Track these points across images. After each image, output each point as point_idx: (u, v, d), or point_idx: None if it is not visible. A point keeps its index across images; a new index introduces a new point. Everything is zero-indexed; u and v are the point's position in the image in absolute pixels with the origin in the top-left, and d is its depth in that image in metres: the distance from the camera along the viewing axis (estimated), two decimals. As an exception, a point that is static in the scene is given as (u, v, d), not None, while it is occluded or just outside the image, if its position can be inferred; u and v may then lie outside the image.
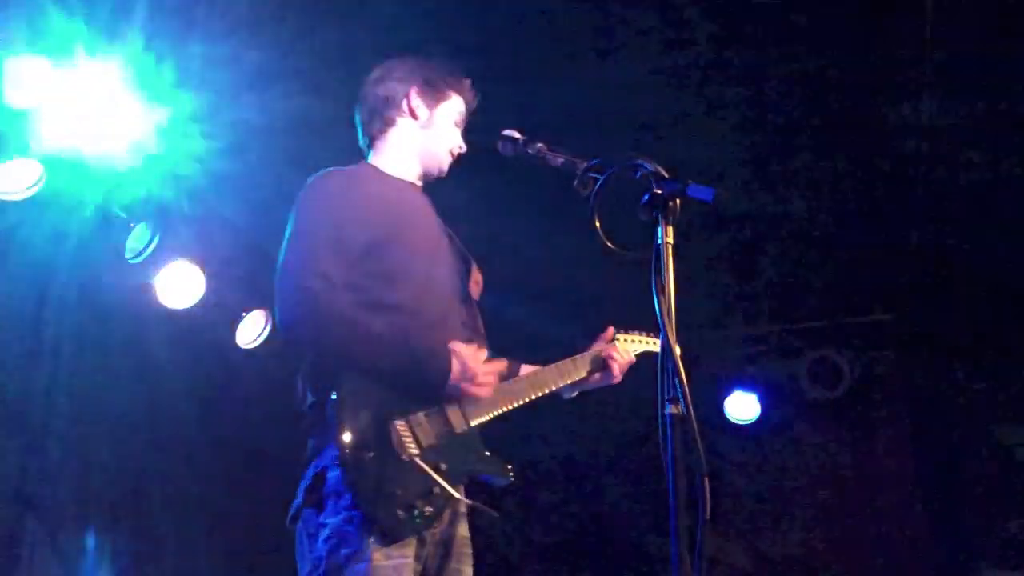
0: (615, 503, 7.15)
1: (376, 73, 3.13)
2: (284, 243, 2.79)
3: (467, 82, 3.14)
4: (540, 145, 2.87)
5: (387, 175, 3.01)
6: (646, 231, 2.17)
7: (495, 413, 2.84)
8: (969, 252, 5.76)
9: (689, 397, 2.00)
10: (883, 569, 6.73)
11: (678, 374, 2.01)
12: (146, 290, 5.20)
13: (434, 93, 3.07)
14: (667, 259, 2.10)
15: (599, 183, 2.34)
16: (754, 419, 6.95)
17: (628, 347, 3.29)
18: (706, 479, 1.93)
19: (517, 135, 3.00)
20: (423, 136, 3.05)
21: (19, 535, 4.81)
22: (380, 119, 3.08)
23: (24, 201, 4.45)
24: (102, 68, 4.17)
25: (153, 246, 5.02)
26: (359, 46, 4.21)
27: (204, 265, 5.39)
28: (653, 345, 3.41)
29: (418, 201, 3.03)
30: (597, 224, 2.29)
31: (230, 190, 5.08)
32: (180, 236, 5.21)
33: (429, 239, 2.94)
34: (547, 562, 7.20)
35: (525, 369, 3.12)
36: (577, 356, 3.16)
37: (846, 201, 5.45)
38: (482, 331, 3.04)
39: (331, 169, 2.92)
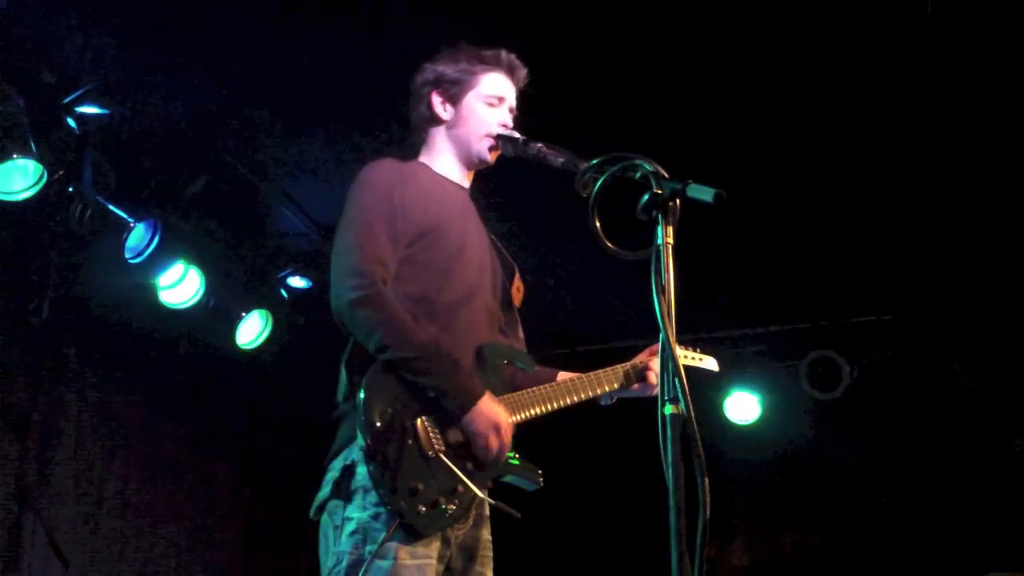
0: (614, 503, 7.15)
1: (410, 89, 3.16)
2: (341, 225, 2.81)
3: (497, 55, 3.10)
4: (540, 145, 2.87)
5: (436, 173, 3.05)
6: (646, 231, 2.16)
7: (528, 415, 2.84)
8: (969, 252, 5.76)
9: (689, 397, 1.99)
10: (883, 569, 6.73)
11: (678, 374, 2.00)
12: (146, 290, 5.20)
13: (455, 88, 3.05)
14: (667, 259, 2.09)
15: (599, 183, 2.32)
16: (754, 419, 6.95)
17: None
18: (706, 479, 1.93)
19: (517, 135, 3.00)
20: (452, 134, 3.06)
21: (19, 535, 4.81)
22: (417, 133, 3.14)
23: (24, 201, 4.45)
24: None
25: (153, 246, 5.02)
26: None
27: (204, 265, 5.39)
28: (698, 361, 3.44)
29: (462, 204, 3.05)
30: (597, 224, 2.27)
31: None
32: (180, 236, 5.21)
33: (466, 240, 2.94)
34: (547, 562, 7.20)
35: (562, 376, 3.08)
36: (618, 366, 3.13)
37: (846, 201, 5.45)
38: (521, 336, 3.05)
39: (386, 158, 2.95)
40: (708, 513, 1.91)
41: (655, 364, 3.10)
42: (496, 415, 2.67)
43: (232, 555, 6.39)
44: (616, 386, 3.10)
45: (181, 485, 6.03)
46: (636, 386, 3.13)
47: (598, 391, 3.06)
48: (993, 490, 6.26)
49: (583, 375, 3.06)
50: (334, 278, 2.73)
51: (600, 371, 3.09)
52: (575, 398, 2.99)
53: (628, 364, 3.15)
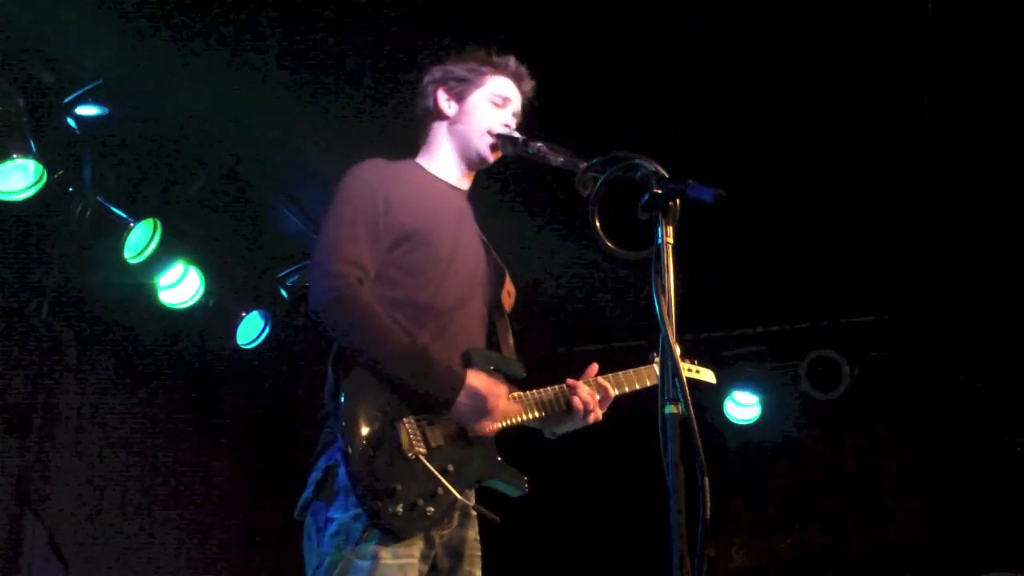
0: (614, 503, 7.15)
1: (417, 87, 3.16)
2: (323, 224, 2.81)
3: (505, 59, 3.11)
4: (540, 144, 2.86)
5: (429, 173, 3.03)
6: (646, 231, 2.15)
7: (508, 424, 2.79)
8: (969, 252, 5.76)
9: (689, 397, 1.99)
10: (883, 569, 6.73)
11: (678, 374, 2.00)
12: (146, 290, 5.20)
13: (462, 85, 3.06)
14: (667, 259, 2.09)
15: (599, 183, 2.32)
16: (754, 419, 6.95)
17: (621, 383, 3.06)
18: (706, 479, 1.93)
19: (517, 135, 3.00)
20: (454, 130, 3.05)
21: (19, 535, 4.81)
22: (419, 130, 3.13)
23: (24, 201, 4.45)
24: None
25: (153, 246, 5.02)
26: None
27: (204, 265, 5.39)
28: (695, 373, 3.37)
29: (456, 205, 3.03)
30: (597, 224, 2.27)
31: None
32: (180, 236, 5.21)
33: (458, 245, 2.92)
34: (546, 563, 7.19)
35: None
36: (550, 388, 2.91)
37: (846, 201, 5.45)
38: (511, 343, 3.02)
39: (376, 158, 2.94)
40: (708, 513, 1.91)
41: (582, 390, 2.90)
42: (481, 391, 2.64)
43: (232, 555, 6.39)
44: (540, 414, 2.87)
45: (181, 485, 6.03)
46: (565, 417, 2.90)
47: (525, 418, 2.84)
48: (993, 490, 6.25)
49: (521, 394, 2.85)
50: (311, 279, 2.73)
51: (530, 393, 2.86)
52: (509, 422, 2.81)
53: (552, 389, 2.90)
